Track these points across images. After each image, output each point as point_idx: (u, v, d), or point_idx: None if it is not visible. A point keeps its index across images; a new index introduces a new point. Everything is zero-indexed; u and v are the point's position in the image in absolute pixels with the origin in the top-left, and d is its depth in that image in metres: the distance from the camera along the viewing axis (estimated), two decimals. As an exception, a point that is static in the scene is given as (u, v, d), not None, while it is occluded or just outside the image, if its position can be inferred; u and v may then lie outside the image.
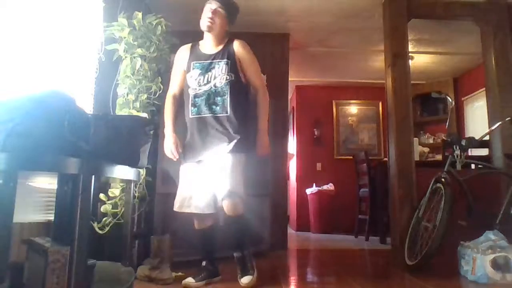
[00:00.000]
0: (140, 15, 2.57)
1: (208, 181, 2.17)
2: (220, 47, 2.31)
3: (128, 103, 2.52)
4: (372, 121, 6.21)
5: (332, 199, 5.60)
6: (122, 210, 2.31)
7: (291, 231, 5.49)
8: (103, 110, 2.54)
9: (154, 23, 2.62)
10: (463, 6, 3.43)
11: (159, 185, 2.69)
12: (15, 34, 1.83)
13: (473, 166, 3.26)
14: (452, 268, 2.56)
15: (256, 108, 2.33)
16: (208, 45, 2.32)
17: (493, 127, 2.98)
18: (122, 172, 1.55)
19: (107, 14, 2.62)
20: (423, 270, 2.50)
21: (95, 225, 2.28)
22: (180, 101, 2.36)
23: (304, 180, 5.90)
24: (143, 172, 2.48)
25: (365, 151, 4.79)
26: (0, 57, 1.75)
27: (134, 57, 2.54)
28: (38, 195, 1.96)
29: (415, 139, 3.73)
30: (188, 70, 2.29)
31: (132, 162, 1.60)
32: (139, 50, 2.54)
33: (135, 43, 2.54)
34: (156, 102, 2.63)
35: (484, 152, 3.64)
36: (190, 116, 2.25)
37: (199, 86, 2.24)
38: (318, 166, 6.05)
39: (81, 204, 1.25)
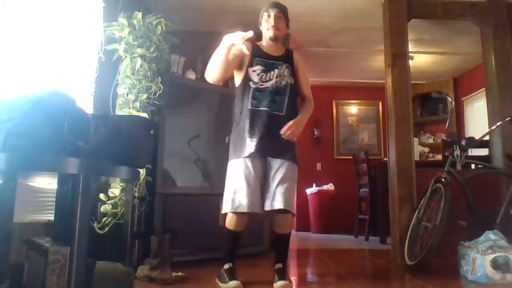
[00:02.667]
0: (140, 15, 2.57)
1: (265, 181, 2.23)
2: (281, 51, 2.44)
3: (128, 103, 2.52)
4: (372, 121, 6.22)
5: (332, 199, 5.60)
6: (122, 210, 2.31)
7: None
8: (103, 110, 2.54)
9: (154, 23, 2.62)
10: (463, 6, 3.43)
11: (159, 185, 2.69)
12: (15, 34, 1.83)
13: (473, 166, 3.26)
14: (452, 268, 2.56)
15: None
16: (271, 47, 2.43)
17: (493, 127, 2.98)
18: (122, 172, 1.55)
19: (107, 14, 2.62)
20: (423, 270, 2.50)
21: (95, 225, 2.28)
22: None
23: (304, 180, 5.90)
24: (143, 172, 2.48)
25: (365, 151, 4.79)
26: (0, 57, 1.75)
27: (134, 57, 2.54)
28: (38, 195, 1.96)
29: (415, 139, 3.73)
30: (250, 65, 2.37)
31: (132, 162, 1.60)
32: (139, 50, 2.54)
33: (135, 43, 2.54)
34: (156, 102, 2.63)
35: (484, 152, 3.64)
36: (249, 107, 2.30)
37: (262, 82, 2.32)
38: (318, 166, 6.06)
39: (81, 204, 1.25)
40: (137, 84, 2.54)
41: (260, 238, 3.31)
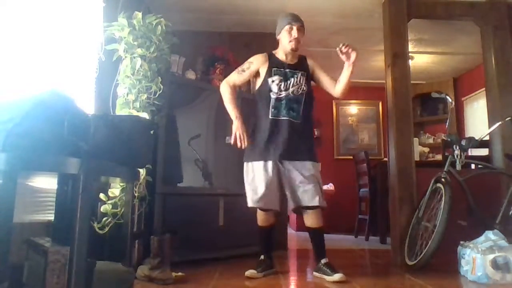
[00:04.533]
0: (140, 15, 2.57)
1: (285, 182, 2.42)
2: (295, 59, 2.59)
3: (128, 103, 2.52)
4: (372, 121, 6.21)
5: (332, 199, 5.59)
6: (122, 210, 2.31)
7: (291, 231, 5.49)
8: (103, 110, 2.54)
9: (154, 23, 2.62)
10: (463, 6, 3.43)
11: (159, 185, 2.69)
12: (15, 34, 1.83)
13: (473, 166, 3.26)
14: (452, 268, 2.56)
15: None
16: (287, 56, 2.58)
17: (493, 127, 2.98)
18: (122, 172, 1.55)
19: (107, 14, 2.62)
20: (423, 270, 2.50)
21: (95, 225, 2.28)
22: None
23: (304, 180, 5.89)
24: (143, 172, 2.48)
25: (365, 151, 4.79)
26: (0, 57, 1.75)
27: (134, 57, 2.54)
28: (38, 195, 1.95)
29: (415, 139, 3.73)
30: (269, 75, 2.48)
31: (132, 162, 1.60)
32: (139, 50, 2.54)
33: (135, 43, 2.54)
34: (156, 102, 2.63)
35: (484, 152, 3.64)
36: (270, 117, 2.46)
37: (280, 91, 2.47)
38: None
39: (81, 204, 1.25)
40: (137, 84, 2.54)
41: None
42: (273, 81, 2.48)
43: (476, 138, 2.87)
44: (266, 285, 2.28)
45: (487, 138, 3.12)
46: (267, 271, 2.49)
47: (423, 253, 2.48)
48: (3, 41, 1.76)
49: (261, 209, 2.51)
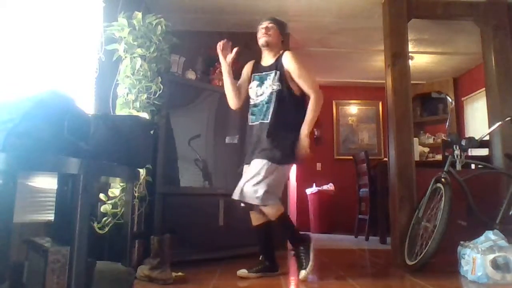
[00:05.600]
0: (140, 15, 2.57)
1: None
2: (272, 59, 2.54)
3: (128, 103, 2.52)
4: (372, 121, 6.21)
5: (332, 199, 5.60)
6: (122, 210, 2.31)
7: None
8: (103, 110, 2.54)
9: (154, 23, 2.62)
10: (463, 6, 3.43)
11: (159, 185, 2.69)
12: (15, 34, 1.83)
13: (473, 166, 3.26)
14: (452, 268, 2.56)
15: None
16: (265, 58, 2.58)
17: (493, 127, 2.98)
18: (122, 172, 1.55)
19: (107, 14, 2.62)
20: (423, 270, 2.50)
21: (95, 225, 2.28)
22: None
23: (304, 180, 5.90)
24: (143, 172, 2.48)
25: (365, 151, 4.79)
26: (0, 57, 1.75)
27: (134, 57, 2.54)
28: (38, 195, 1.95)
29: (415, 139, 3.73)
30: (250, 83, 2.56)
31: (132, 162, 1.60)
32: (139, 50, 2.54)
33: (135, 43, 2.54)
34: (156, 102, 2.63)
35: (484, 152, 3.64)
36: (249, 124, 2.50)
37: (256, 96, 2.49)
38: (318, 166, 6.05)
39: (81, 204, 1.25)
40: (137, 84, 2.54)
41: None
42: (251, 88, 2.54)
43: (476, 138, 2.87)
44: (266, 285, 2.28)
45: (487, 138, 3.12)
46: (263, 272, 2.43)
47: (423, 253, 2.48)
48: (3, 41, 1.76)
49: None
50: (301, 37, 4.21)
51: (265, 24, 2.54)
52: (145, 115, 2.50)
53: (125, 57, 2.55)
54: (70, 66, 2.28)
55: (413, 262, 2.57)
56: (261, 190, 2.27)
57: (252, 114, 2.50)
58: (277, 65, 2.48)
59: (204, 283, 2.21)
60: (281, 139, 2.37)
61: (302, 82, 2.44)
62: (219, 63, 3.35)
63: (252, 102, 2.52)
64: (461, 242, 2.55)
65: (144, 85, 2.56)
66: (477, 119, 5.01)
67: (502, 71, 3.29)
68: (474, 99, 5.19)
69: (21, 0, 1.88)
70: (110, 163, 1.43)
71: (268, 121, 2.39)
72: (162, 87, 2.63)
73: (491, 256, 2.27)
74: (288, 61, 2.44)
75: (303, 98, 2.48)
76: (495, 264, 2.26)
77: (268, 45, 2.52)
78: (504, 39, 3.34)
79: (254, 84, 2.53)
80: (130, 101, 2.52)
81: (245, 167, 2.47)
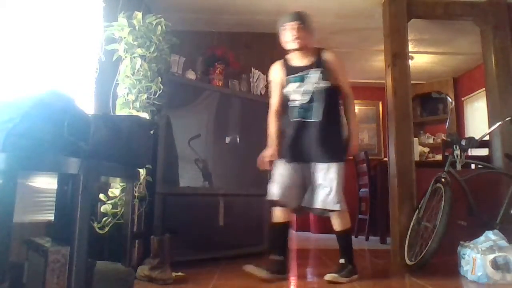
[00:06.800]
0: (140, 15, 2.57)
1: (306, 181, 2.41)
2: (309, 58, 2.45)
3: (128, 103, 2.52)
4: (372, 121, 6.21)
5: (332, 199, 5.59)
6: (122, 210, 2.31)
7: (291, 231, 5.49)
8: (103, 110, 2.54)
9: (154, 23, 2.62)
10: (463, 6, 3.43)
11: (159, 185, 2.69)
12: (15, 34, 1.83)
13: (473, 166, 3.26)
14: (452, 268, 2.56)
15: (345, 113, 2.53)
16: (298, 57, 2.47)
17: (493, 127, 2.98)
18: (122, 172, 1.55)
19: (107, 14, 2.62)
20: (423, 270, 2.50)
21: (95, 225, 2.28)
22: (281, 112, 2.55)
23: (304, 180, 5.89)
24: (143, 172, 2.48)
25: (365, 151, 4.79)
26: (0, 57, 1.75)
27: (134, 57, 2.54)
28: (38, 195, 1.95)
29: (415, 139, 3.73)
30: (287, 85, 2.46)
31: (132, 162, 1.60)
32: (139, 50, 2.53)
33: (135, 43, 2.54)
34: (156, 102, 2.63)
35: (484, 152, 3.64)
36: (291, 120, 2.42)
37: (298, 96, 2.41)
38: (318, 166, 6.04)
39: (81, 204, 1.25)
40: (137, 84, 2.53)
41: (260, 238, 3.31)
42: (291, 91, 2.43)
43: (476, 138, 2.87)
44: (266, 285, 2.27)
45: (487, 138, 3.12)
46: (276, 275, 2.31)
47: (423, 253, 2.48)
48: (3, 41, 1.76)
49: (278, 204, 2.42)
50: (301, 37, 4.20)
51: (289, 25, 2.39)
52: (145, 115, 2.50)
53: (125, 57, 2.54)
54: (70, 66, 2.28)
55: (413, 262, 2.57)
56: (339, 195, 2.38)
57: (298, 113, 2.40)
58: (318, 63, 2.41)
59: (204, 283, 2.21)
60: (337, 137, 2.45)
61: (343, 82, 2.49)
62: (219, 63, 3.36)
63: (294, 104, 2.42)
64: (461, 242, 2.55)
65: (144, 85, 2.56)
66: (477, 119, 5.01)
67: (502, 71, 3.29)
68: (474, 99, 5.19)
69: (21, 0, 1.88)
70: (110, 163, 1.43)
71: (320, 120, 2.35)
72: (162, 87, 2.63)
73: (491, 256, 2.27)
74: (332, 60, 2.44)
75: (339, 95, 2.52)
76: (495, 264, 2.26)
77: (301, 49, 2.41)
78: (504, 39, 3.33)
79: (293, 86, 2.42)
80: (130, 101, 2.52)
81: (289, 165, 2.40)
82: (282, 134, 2.50)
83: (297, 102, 2.41)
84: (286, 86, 2.45)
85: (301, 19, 2.40)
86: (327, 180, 2.36)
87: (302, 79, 2.41)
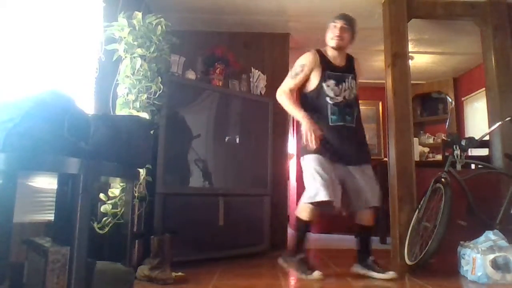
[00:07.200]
0: (140, 15, 2.57)
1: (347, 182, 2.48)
2: (344, 61, 2.58)
3: (128, 103, 2.52)
4: (372, 121, 6.21)
5: (332, 199, 5.58)
6: (122, 210, 2.31)
7: (291, 231, 5.49)
8: (103, 110, 2.54)
9: (154, 23, 2.62)
10: (463, 6, 3.43)
11: (159, 185, 2.69)
12: (15, 34, 1.83)
13: (473, 166, 3.26)
14: (452, 268, 2.56)
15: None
16: (336, 57, 2.56)
17: (493, 127, 2.98)
18: (122, 172, 1.55)
19: (107, 14, 2.62)
20: (423, 270, 2.50)
21: (95, 225, 2.28)
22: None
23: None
24: (143, 172, 2.48)
25: (365, 151, 4.78)
26: (0, 57, 1.75)
27: (134, 57, 2.54)
28: (38, 195, 1.95)
29: (415, 139, 3.73)
30: (324, 79, 2.48)
31: (132, 162, 1.60)
32: (139, 50, 2.54)
33: (135, 43, 2.54)
34: (156, 102, 2.63)
35: (484, 152, 3.64)
36: (330, 124, 2.45)
37: (336, 96, 2.47)
38: (318, 166, 6.03)
39: (81, 204, 1.25)
40: (137, 84, 2.54)
41: (260, 238, 3.31)
42: (328, 86, 2.46)
43: (476, 138, 2.87)
44: (266, 285, 2.28)
45: (487, 138, 3.12)
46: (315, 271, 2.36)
47: (423, 253, 2.48)
48: (3, 41, 1.76)
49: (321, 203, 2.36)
50: (301, 37, 4.21)
51: (339, 23, 2.52)
52: (145, 115, 2.50)
53: (125, 57, 2.55)
54: (70, 66, 2.28)
55: (413, 262, 2.57)
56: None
57: (333, 114, 2.46)
58: (351, 69, 2.56)
59: (204, 283, 2.21)
60: (366, 143, 2.64)
61: (357, 89, 2.59)
62: (219, 63, 3.36)
63: (331, 101, 2.46)
64: (461, 242, 2.55)
65: (144, 85, 2.56)
66: (477, 119, 5.01)
67: (502, 71, 3.29)
68: (474, 99, 5.19)
69: (21, 0, 1.88)
70: (110, 163, 1.43)
71: (354, 125, 2.50)
72: (162, 87, 2.63)
73: (491, 256, 2.28)
74: (360, 69, 2.61)
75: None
76: (495, 264, 2.26)
77: (339, 48, 2.53)
78: (504, 39, 3.33)
79: (331, 82, 2.47)
80: (130, 101, 2.52)
81: (330, 163, 2.42)
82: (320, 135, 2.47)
83: (331, 100, 2.46)
84: (325, 81, 2.47)
85: (350, 22, 2.54)
86: (371, 179, 2.51)
87: (340, 80, 2.49)
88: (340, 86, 2.47)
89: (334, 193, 2.33)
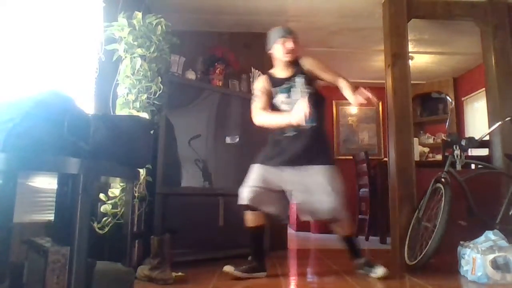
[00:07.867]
0: (140, 15, 2.57)
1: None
2: (290, 68, 2.53)
3: (128, 103, 2.52)
4: (372, 121, 6.21)
5: (332, 199, 5.58)
6: (122, 210, 2.31)
7: (291, 231, 5.49)
8: (103, 110, 2.54)
9: (154, 23, 2.62)
10: (463, 6, 3.43)
11: (159, 185, 2.69)
12: (15, 34, 1.83)
13: (473, 166, 3.26)
14: (452, 268, 2.56)
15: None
16: (281, 69, 2.56)
17: (493, 127, 2.98)
18: (122, 172, 1.55)
19: (107, 14, 2.62)
20: (423, 270, 2.50)
21: (95, 225, 2.28)
22: None
23: (304, 180, 5.88)
24: (143, 172, 2.48)
25: (365, 151, 4.79)
26: (0, 57, 1.75)
27: (134, 57, 2.54)
28: (38, 195, 1.95)
29: (415, 139, 3.73)
30: (275, 97, 2.50)
31: (132, 162, 1.60)
32: (139, 50, 2.54)
33: (135, 43, 2.54)
34: (156, 102, 2.63)
35: (484, 152, 3.64)
36: (286, 135, 2.46)
37: (287, 106, 2.45)
38: (318, 166, 6.04)
39: (81, 204, 1.25)
40: (137, 84, 2.53)
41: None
42: (282, 102, 2.48)
43: (476, 138, 2.87)
44: (266, 285, 2.28)
45: (487, 138, 3.12)
46: (249, 273, 2.37)
47: (423, 253, 2.48)
48: (3, 41, 1.76)
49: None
50: (301, 37, 4.17)
51: (290, 39, 2.51)
52: (145, 115, 2.50)
53: (125, 57, 2.55)
54: (70, 66, 2.28)
55: (413, 262, 2.57)
56: (341, 201, 2.45)
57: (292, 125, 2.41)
58: (298, 71, 2.51)
59: (204, 283, 2.21)
60: (326, 140, 2.59)
61: (327, 73, 2.54)
62: (219, 63, 3.36)
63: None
64: (461, 242, 2.55)
65: (144, 85, 2.56)
66: (477, 119, 5.01)
67: (502, 71, 3.29)
68: (474, 99, 5.19)
69: (21, 0, 1.88)
70: (110, 163, 1.43)
71: (315, 125, 2.41)
72: (162, 87, 2.63)
73: (491, 256, 2.27)
74: (309, 62, 2.53)
75: (323, 98, 2.59)
76: (495, 264, 2.26)
77: (289, 61, 2.52)
78: (504, 39, 3.34)
79: (281, 97, 2.48)
80: (130, 101, 2.52)
81: (274, 168, 2.43)
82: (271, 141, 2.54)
83: (288, 110, 2.43)
84: (275, 97, 2.50)
85: (295, 35, 2.55)
86: (324, 185, 2.47)
87: (289, 90, 2.48)
88: (292, 95, 2.46)
89: (262, 199, 2.38)
